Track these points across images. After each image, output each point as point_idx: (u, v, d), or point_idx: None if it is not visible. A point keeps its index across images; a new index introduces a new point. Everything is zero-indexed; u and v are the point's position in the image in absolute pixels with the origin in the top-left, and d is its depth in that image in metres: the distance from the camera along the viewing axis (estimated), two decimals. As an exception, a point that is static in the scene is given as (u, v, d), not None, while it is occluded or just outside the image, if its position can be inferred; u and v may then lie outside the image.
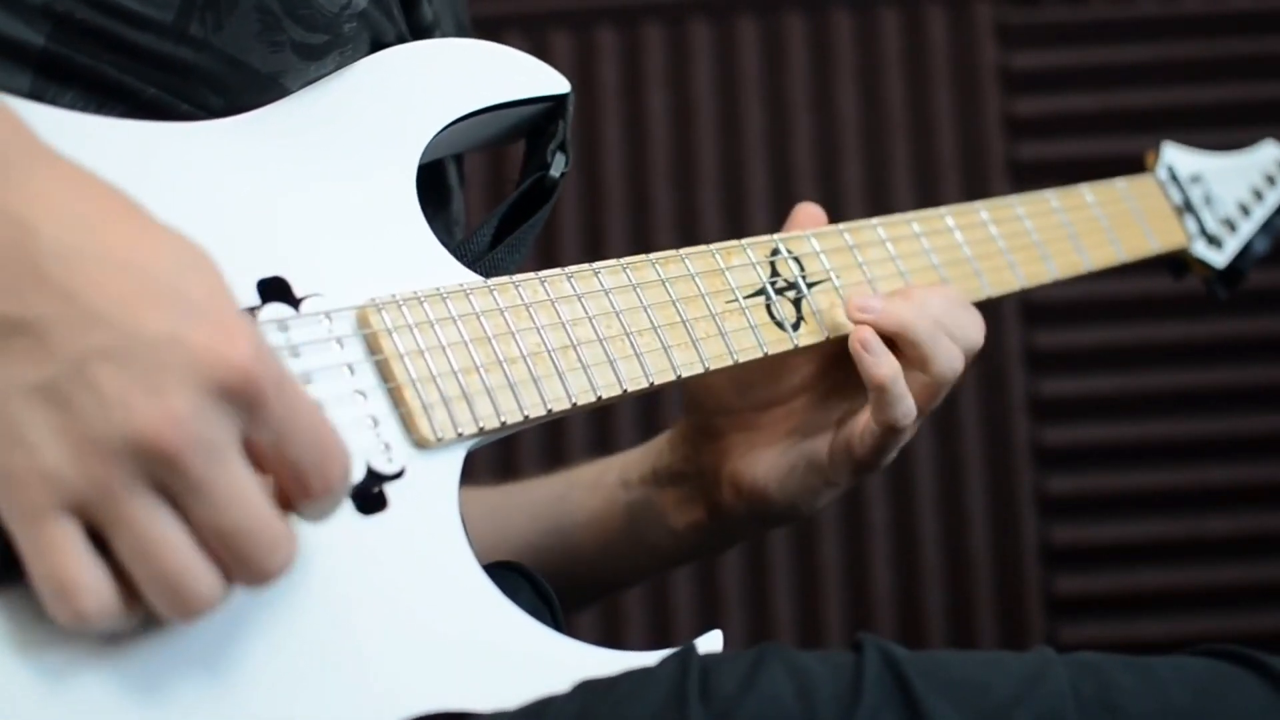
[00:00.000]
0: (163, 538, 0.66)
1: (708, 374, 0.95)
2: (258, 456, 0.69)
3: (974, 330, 1.05)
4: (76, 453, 0.64)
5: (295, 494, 0.71)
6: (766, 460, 1.08)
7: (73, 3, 0.81)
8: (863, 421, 1.03)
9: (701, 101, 2.11)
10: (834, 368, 1.06)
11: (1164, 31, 2.11)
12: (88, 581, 0.65)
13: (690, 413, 1.13)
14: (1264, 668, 0.83)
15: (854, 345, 1.00)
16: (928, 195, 2.06)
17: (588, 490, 1.18)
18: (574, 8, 2.10)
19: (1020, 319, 2.07)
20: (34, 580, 0.66)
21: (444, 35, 1.03)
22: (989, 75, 2.11)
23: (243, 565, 0.68)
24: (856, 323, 1.01)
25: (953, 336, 1.03)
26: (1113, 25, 2.12)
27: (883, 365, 0.99)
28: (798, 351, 1.01)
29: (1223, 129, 1.80)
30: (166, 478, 0.66)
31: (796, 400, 1.09)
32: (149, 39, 0.83)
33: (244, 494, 0.67)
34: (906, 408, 1.01)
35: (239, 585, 0.69)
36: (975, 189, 2.03)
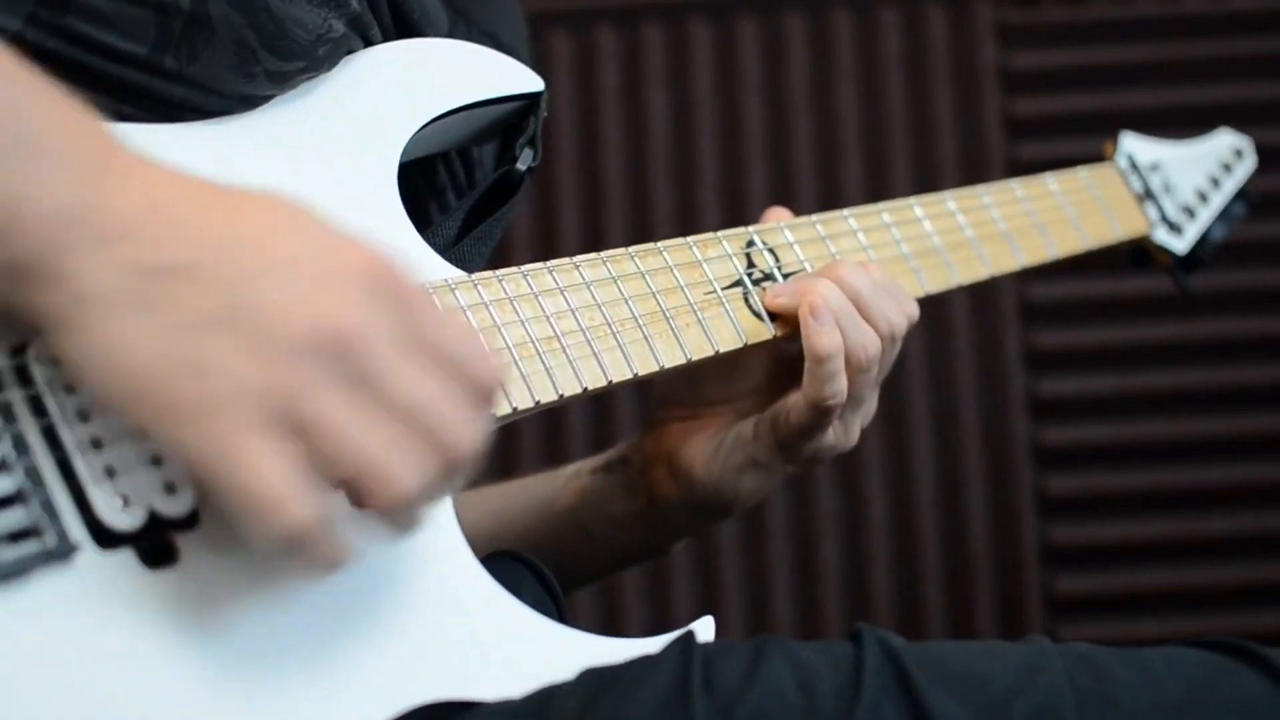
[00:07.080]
0: (364, 419, 0.68)
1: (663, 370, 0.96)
2: None
3: (895, 314, 1.03)
4: (263, 364, 0.66)
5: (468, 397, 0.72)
6: (699, 442, 1.09)
7: (44, 33, 0.81)
8: (793, 398, 1.03)
9: (701, 101, 2.11)
10: (784, 375, 1.06)
11: (1164, 31, 2.11)
12: (298, 487, 0.66)
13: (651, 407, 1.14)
14: (1257, 658, 0.83)
15: (803, 312, 0.99)
16: (927, 195, 2.06)
17: (556, 483, 1.19)
18: (574, 8, 2.10)
19: (1020, 319, 2.06)
20: (241, 503, 0.66)
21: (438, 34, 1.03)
22: (989, 75, 2.11)
23: (437, 440, 0.70)
24: (773, 305, 1.01)
25: (870, 318, 1.01)
26: (1113, 25, 2.11)
27: (825, 336, 0.98)
28: (754, 350, 1.01)
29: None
30: (350, 365, 0.68)
31: (744, 401, 1.09)
32: (122, 70, 0.83)
33: (423, 371, 0.70)
34: (837, 388, 0.99)
35: (437, 468, 0.71)
36: (975, 189, 2.03)
